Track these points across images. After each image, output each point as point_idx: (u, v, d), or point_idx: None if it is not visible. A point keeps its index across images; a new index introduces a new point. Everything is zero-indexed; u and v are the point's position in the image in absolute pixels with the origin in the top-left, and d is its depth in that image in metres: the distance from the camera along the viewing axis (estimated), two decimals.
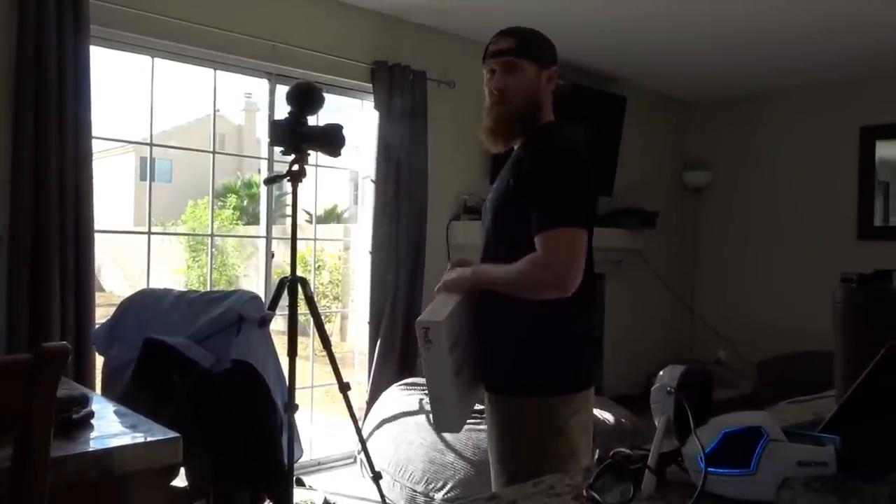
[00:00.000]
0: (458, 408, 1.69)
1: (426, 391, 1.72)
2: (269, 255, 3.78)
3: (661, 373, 1.09)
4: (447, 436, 3.15)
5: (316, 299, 2.80)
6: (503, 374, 1.75)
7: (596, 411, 3.67)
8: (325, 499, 3.34)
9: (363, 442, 2.93)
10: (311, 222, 4.96)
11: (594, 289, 1.84)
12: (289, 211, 2.72)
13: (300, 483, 3.47)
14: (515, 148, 1.83)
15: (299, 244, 2.74)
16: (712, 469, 0.96)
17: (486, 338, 1.78)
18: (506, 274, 1.69)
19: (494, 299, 1.73)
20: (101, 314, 3.08)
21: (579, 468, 1.60)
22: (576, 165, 1.72)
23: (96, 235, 2.99)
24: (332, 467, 3.95)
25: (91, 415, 1.47)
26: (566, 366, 1.75)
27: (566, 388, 1.74)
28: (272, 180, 2.76)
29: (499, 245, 1.79)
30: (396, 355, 3.93)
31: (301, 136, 2.54)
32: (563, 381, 1.74)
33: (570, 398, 1.74)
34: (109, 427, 1.47)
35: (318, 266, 8.39)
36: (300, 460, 2.73)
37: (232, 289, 2.77)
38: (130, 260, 11.97)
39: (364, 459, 3.02)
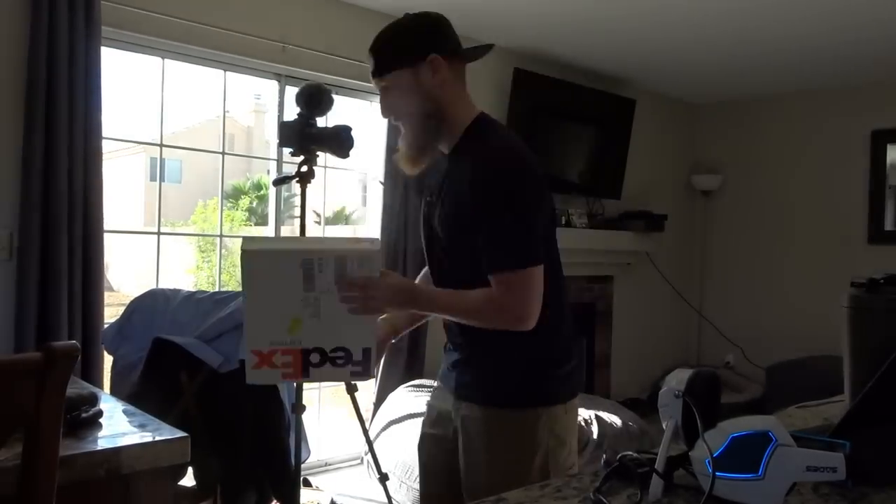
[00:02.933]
0: None
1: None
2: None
3: (669, 376, 1.09)
4: None
5: None
6: (506, 386, 1.57)
7: (603, 414, 3.66)
8: (332, 499, 3.35)
9: (370, 443, 2.93)
10: (319, 223, 4.97)
11: (566, 294, 1.66)
12: (297, 212, 2.73)
13: (307, 483, 3.47)
14: (447, 153, 1.61)
15: None
16: (720, 473, 0.96)
17: (481, 354, 1.61)
18: (461, 307, 1.52)
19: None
20: (111, 314, 3.10)
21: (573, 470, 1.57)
22: (527, 180, 1.51)
23: (106, 235, 3.01)
24: (339, 468, 3.95)
25: (100, 414, 1.48)
26: (561, 373, 1.59)
27: (565, 395, 1.58)
28: (281, 181, 2.76)
29: (459, 268, 1.58)
30: (404, 357, 3.93)
31: (310, 138, 2.55)
32: (563, 388, 1.59)
33: (569, 405, 1.59)
34: (118, 426, 1.48)
35: None
36: (307, 461, 2.73)
37: (240, 289, 2.76)
38: (140, 260, 12.04)
39: (371, 460, 3.02)
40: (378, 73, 1.58)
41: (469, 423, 1.57)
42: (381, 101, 1.60)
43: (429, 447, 1.74)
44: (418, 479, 1.86)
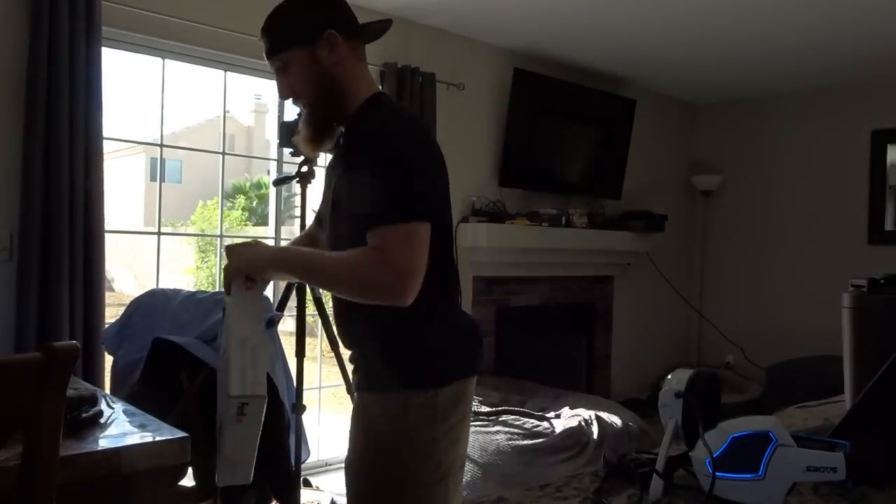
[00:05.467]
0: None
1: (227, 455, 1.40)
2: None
3: (669, 376, 1.09)
4: None
5: (324, 300, 2.80)
6: (383, 371, 1.49)
7: (603, 414, 3.66)
8: (332, 500, 3.35)
9: None
10: None
11: (456, 279, 1.55)
12: (298, 212, 2.73)
13: (307, 484, 3.47)
14: (342, 132, 1.56)
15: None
16: (720, 473, 0.96)
17: (357, 340, 1.56)
18: (328, 264, 1.40)
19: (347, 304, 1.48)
20: (111, 314, 3.10)
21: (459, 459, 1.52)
22: (413, 145, 1.42)
23: (106, 235, 3.01)
24: (339, 468, 3.95)
25: (100, 414, 1.48)
26: (443, 355, 1.49)
27: (445, 379, 1.46)
28: (281, 181, 2.77)
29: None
30: None
31: None
32: (442, 371, 1.48)
33: (451, 388, 1.47)
34: (118, 426, 1.48)
35: None
36: (307, 461, 2.73)
37: None
38: (140, 260, 12.03)
39: None
40: (273, 52, 1.52)
41: (355, 410, 1.59)
42: (279, 82, 1.54)
43: None
44: None
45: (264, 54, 1.54)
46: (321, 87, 1.50)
